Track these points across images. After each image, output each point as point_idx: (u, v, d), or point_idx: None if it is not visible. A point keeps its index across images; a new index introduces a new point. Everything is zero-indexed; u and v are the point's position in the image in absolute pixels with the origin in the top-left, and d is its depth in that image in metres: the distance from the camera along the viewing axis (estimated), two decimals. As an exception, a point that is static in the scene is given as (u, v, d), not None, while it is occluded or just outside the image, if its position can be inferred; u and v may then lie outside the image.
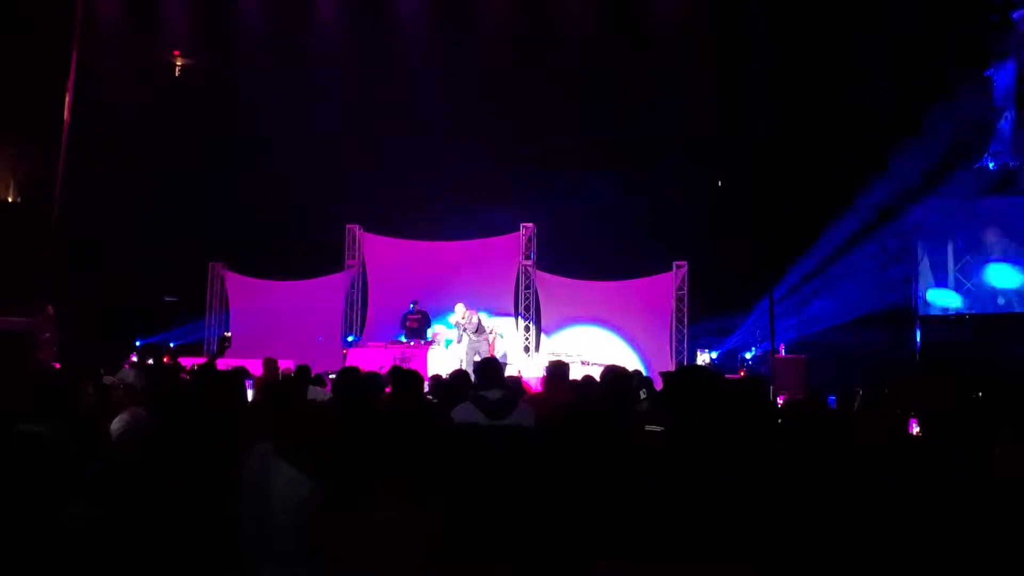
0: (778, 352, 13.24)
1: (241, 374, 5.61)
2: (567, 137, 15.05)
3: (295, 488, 2.38)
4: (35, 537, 2.35)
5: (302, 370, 7.45)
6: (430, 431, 2.45)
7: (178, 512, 2.63)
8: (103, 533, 2.49)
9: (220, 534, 2.54)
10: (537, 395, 5.25)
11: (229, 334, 13.41)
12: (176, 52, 16.73)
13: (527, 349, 15.35)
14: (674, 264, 15.09)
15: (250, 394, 5.69)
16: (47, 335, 11.27)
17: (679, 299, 15.12)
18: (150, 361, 8.86)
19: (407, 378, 4.89)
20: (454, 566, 2.07)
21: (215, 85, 15.77)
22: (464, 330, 13.12)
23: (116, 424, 3.70)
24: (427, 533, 2.07)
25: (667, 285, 15.13)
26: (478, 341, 12.90)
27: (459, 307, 13.18)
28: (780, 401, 9.54)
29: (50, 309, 11.42)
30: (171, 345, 14.29)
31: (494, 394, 4.51)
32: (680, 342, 15.05)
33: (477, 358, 11.65)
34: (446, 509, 2.17)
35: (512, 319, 15.38)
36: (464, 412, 4.42)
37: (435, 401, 5.65)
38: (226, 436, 3.19)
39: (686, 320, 15.08)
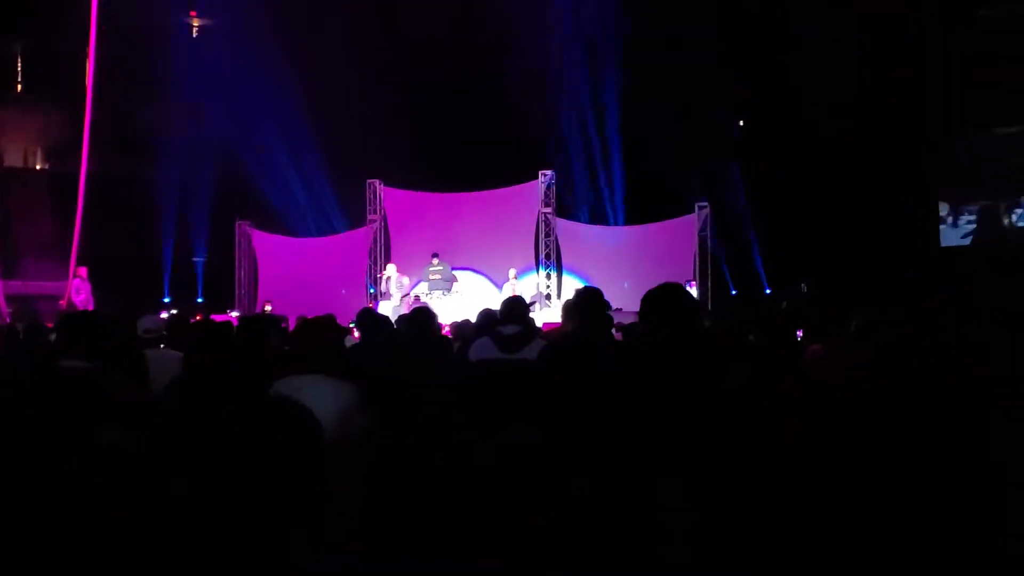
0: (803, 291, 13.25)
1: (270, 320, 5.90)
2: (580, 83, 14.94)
3: (328, 400, 2.52)
4: (82, 461, 2.54)
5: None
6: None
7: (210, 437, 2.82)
8: (143, 456, 2.67)
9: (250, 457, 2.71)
10: (552, 330, 5.39)
11: (269, 308, 13.72)
12: (192, 12, 16.78)
13: (548, 296, 15.45)
14: (696, 205, 15.01)
15: None
16: (82, 295, 11.61)
17: (702, 240, 15.05)
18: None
19: (416, 315, 5.21)
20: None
21: (231, 44, 15.80)
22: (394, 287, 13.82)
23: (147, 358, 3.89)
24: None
25: (690, 227, 15.07)
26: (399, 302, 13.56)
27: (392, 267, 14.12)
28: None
29: (83, 271, 11.75)
30: (199, 301, 14.62)
31: (510, 329, 4.67)
32: (704, 284, 15.03)
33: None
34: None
35: (533, 271, 15.43)
36: (480, 346, 4.60)
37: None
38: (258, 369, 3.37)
39: (709, 261, 15.04)
